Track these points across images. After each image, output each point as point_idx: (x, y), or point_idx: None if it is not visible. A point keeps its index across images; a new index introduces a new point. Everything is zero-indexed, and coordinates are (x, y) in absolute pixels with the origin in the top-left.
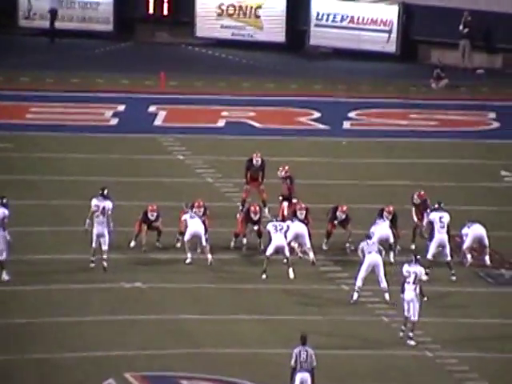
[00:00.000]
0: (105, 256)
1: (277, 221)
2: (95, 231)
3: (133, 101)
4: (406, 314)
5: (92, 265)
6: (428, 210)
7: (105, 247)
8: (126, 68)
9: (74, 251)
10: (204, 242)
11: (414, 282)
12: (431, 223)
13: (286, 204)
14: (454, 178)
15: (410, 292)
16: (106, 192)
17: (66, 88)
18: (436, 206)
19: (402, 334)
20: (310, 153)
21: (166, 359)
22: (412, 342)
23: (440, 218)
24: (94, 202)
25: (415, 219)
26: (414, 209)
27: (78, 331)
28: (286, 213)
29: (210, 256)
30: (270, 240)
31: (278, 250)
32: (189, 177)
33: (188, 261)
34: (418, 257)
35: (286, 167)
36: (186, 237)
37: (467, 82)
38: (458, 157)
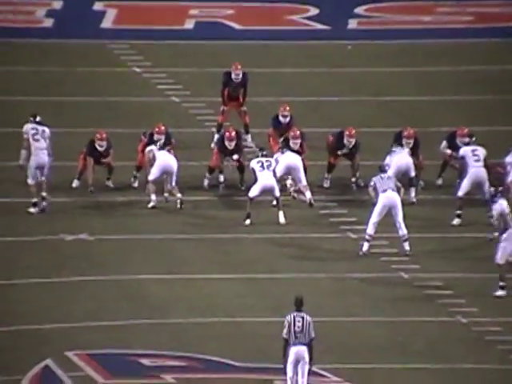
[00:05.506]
0: (44, 193)
1: (262, 156)
2: (34, 161)
3: None
4: None
5: (32, 210)
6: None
7: (43, 179)
8: None
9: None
10: (174, 182)
11: None
12: (463, 158)
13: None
14: (492, 88)
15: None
16: (38, 119)
17: None
18: (466, 140)
19: None
20: (306, 62)
21: (121, 332)
22: None
23: (473, 150)
24: (29, 126)
25: (445, 146)
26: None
27: (1, 298)
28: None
29: (179, 195)
30: (256, 180)
31: (266, 192)
32: (148, 95)
33: (151, 204)
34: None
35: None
36: (154, 174)
37: None
38: (498, 62)
